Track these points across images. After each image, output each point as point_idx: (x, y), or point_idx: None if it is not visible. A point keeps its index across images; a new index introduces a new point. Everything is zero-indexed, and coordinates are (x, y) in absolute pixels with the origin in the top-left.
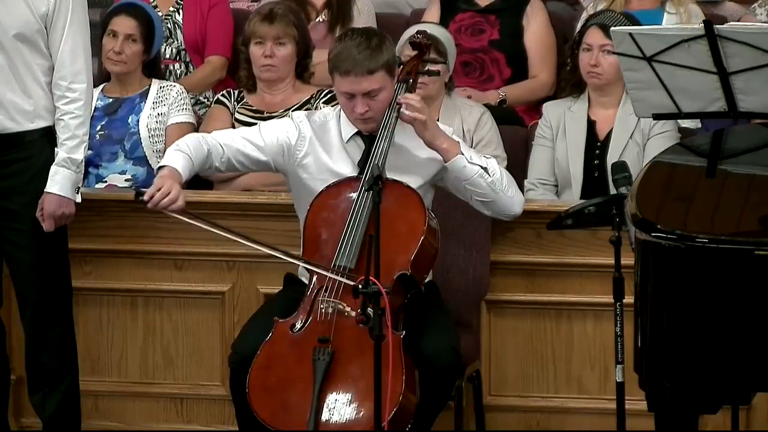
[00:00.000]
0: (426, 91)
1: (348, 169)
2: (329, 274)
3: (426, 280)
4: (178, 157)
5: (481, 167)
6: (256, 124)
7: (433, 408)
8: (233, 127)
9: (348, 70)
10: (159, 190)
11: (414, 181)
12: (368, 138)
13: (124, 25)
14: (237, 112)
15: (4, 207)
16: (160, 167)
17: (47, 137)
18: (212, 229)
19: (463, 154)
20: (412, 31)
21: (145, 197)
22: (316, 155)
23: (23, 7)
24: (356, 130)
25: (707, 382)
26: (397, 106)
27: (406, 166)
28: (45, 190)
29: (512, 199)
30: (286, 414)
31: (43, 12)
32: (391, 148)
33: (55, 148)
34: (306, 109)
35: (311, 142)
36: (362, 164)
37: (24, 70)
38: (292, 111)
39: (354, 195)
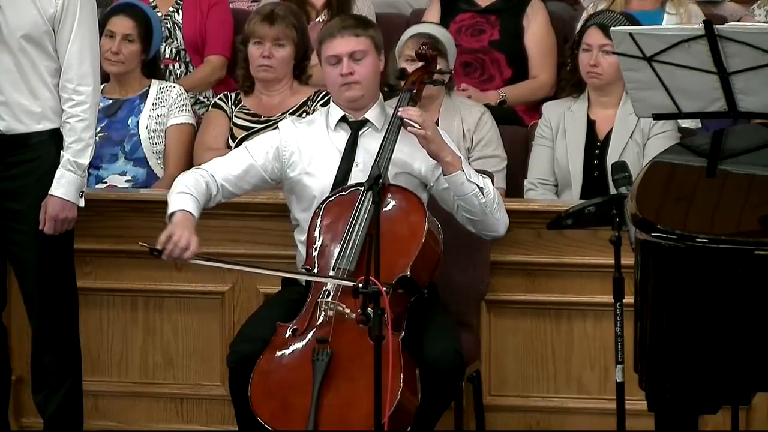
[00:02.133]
0: (426, 92)
1: (334, 157)
2: (329, 281)
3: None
4: (185, 199)
5: (478, 187)
6: (254, 128)
7: (436, 409)
8: (231, 131)
9: (333, 33)
10: (168, 241)
11: (399, 170)
12: (355, 123)
13: (121, 25)
14: (235, 116)
15: (9, 208)
16: (171, 214)
17: (54, 139)
18: (227, 266)
19: (463, 170)
20: (412, 31)
21: (161, 253)
22: (301, 153)
23: (31, 8)
24: (342, 114)
25: (707, 382)
26: (400, 120)
27: (402, 162)
28: (49, 192)
29: (498, 222)
30: (286, 414)
31: (51, 13)
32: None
33: (61, 151)
34: (303, 111)
35: (296, 141)
36: (348, 150)
37: (31, 72)
38: (289, 114)
39: (356, 199)
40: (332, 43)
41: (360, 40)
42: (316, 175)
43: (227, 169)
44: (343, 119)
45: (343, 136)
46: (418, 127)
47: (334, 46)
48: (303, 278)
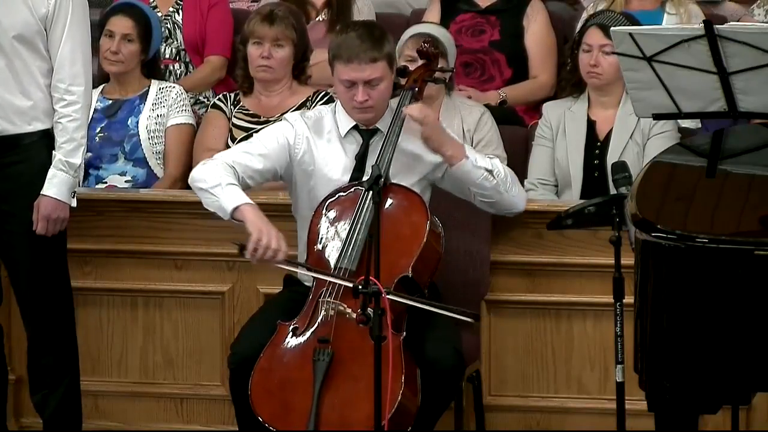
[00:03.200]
0: (426, 91)
1: (345, 164)
2: (328, 278)
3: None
4: (240, 192)
5: (486, 170)
6: (253, 129)
7: (436, 409)
8: (231, 132)
9: (351, 57)
10: (259, 241)
11: (412, 177)
12: (366, 132)
13: (120, 25)
14: (234, 116)
15: (1, 209)
16: (235, 208)
17: (46, 140)
18: (309, 273)
19: (468, 158)
20: (412, 30)
21: (248, 255)
22: (312, 152)
23: (23, 9)
24: (353, 123)
25: (707, 382)
26: (402, 117)
27: (406, 162)
28: (41, 192)
29: (515, 198)
30: (286, 414)
31: (43, 13)
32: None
33: (53, 151)
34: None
35: (308, 139)
36: (360, 157)
37: (23, 72)
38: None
39: (357, 199)
40: (347, 67)
41: (376, 67)
42: (327, 182)
43: (248, 162)
44: (354, 127)
45: (354, 144)
46: (420, 123)
47: (349, 72)
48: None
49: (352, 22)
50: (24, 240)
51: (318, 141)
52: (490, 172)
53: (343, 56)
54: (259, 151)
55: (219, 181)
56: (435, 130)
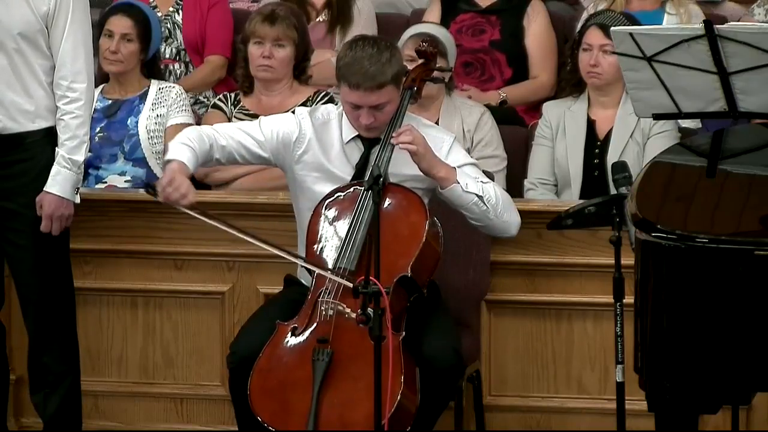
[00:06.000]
0: (426, 91)
1: (345, 171)
2: (329, 275)
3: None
4: (184, 150)
5: (477, 196)
6: None
7: (435, 409)
8: None
9: (358, 83)
10: (169, 183)
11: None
12: (368, 141)
13: (120, 24)
14: (234, 117)
15: (5, 207)
16: (168, 161)
17: (49, 138)
18: (223, 227)
19: (458, 182)
20: (412, 30)
21: (158, 190)
22: (314, 154)
23: (24, 7)
24: (357, 133)
25: (707, 382)
26: (402, 114)
27: (405, 174)
28: (44, 189)
29: (506, 224)
30: (286, 414)
31: (44, 11)
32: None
33: (56, 148)
34: None
35: (311, 141)
36: (360, 166)
37: (25, 71)
38: None
39: (356, 199)
40: (353, 93)
41: (383, 93)
42: (327, 185)
43: (242, 139)
44: (358, 135)
45: (356, 151)
46: (410, 144)
47: (355, 97)
48: (302, 264)
49: (362, 38)
50: (28, 238)
51: (321, 145)
52: (481, 198)
53: (349, 81)
54: (256, 135)
55: (178, 139)
56: (426, 151)
